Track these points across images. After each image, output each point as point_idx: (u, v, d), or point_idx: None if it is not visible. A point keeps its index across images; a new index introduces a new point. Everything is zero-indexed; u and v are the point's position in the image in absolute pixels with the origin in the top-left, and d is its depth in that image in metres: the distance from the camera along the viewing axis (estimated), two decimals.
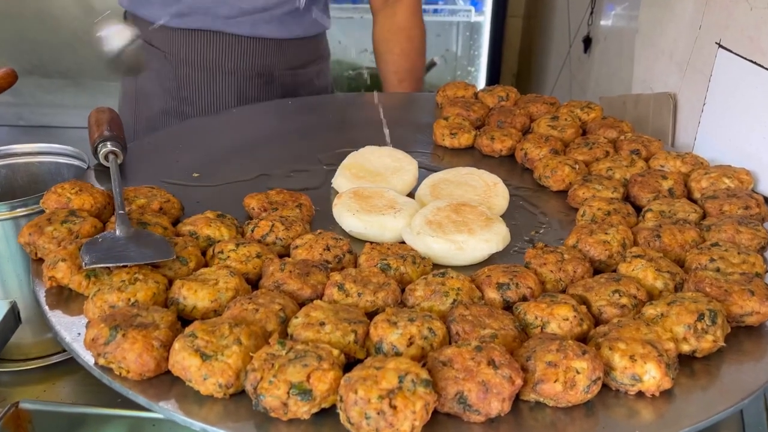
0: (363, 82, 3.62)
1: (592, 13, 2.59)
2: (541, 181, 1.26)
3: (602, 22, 2.53)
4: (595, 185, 1.17)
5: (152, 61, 1.67)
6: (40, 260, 0.95)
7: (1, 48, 3.45)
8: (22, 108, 3.63)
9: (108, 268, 0.87)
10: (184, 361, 0.72)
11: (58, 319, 0.85)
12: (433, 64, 3.28)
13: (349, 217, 1.07)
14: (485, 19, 3.29)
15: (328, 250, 0.96)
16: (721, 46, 1.41)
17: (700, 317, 0.79)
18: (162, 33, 1.66)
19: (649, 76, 1.79)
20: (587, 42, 2.64)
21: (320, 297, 0.87)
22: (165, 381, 0.75)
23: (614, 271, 0.95)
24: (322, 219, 1.13)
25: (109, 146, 1.19)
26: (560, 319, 0.81)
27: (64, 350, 1.09)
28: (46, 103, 3.63)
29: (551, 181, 1.23)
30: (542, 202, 1.22)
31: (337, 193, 1.16)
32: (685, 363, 0.80)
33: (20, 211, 1.06)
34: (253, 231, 1.01)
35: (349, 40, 3.66)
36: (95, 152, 1.21)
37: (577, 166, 1.24)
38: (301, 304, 0.84)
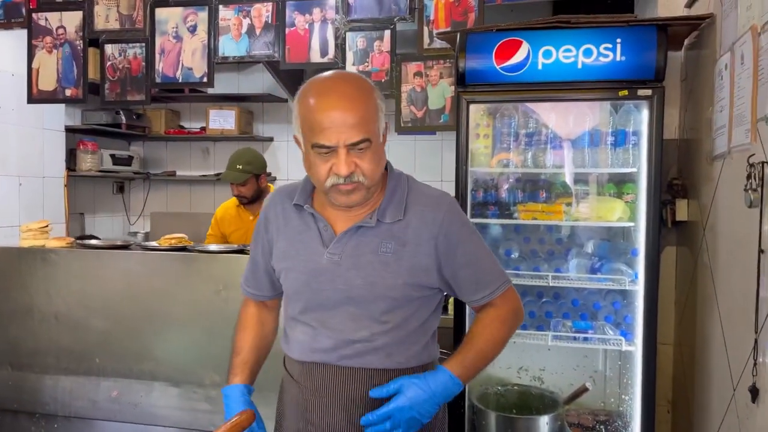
0: (510, 402, 3.61)
1: (755, 364, 2.53)
2: None
3: None
4: None
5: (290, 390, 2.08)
6: None
7: None
8: None
9: None
10: None
11: None
12: (585, 390, 3.29)
13: None
14: (636, 348, 3.34)
15: None
16: None
17: None
18: (297, 366, 2.08)
19: None
20: (754, 392, 2.55)
21: None
22: None
23: None
24: None
25: None
26: None
27: None
28: None
29: None
30: None
31: None
32: None
33: None
34: None
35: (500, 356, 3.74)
36: None
37: None
38: None
